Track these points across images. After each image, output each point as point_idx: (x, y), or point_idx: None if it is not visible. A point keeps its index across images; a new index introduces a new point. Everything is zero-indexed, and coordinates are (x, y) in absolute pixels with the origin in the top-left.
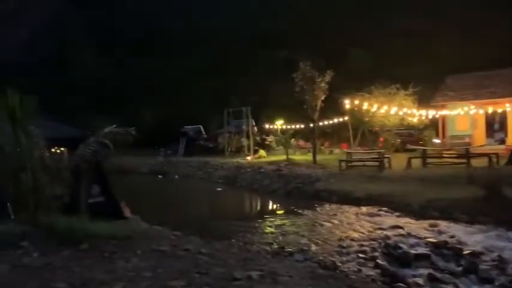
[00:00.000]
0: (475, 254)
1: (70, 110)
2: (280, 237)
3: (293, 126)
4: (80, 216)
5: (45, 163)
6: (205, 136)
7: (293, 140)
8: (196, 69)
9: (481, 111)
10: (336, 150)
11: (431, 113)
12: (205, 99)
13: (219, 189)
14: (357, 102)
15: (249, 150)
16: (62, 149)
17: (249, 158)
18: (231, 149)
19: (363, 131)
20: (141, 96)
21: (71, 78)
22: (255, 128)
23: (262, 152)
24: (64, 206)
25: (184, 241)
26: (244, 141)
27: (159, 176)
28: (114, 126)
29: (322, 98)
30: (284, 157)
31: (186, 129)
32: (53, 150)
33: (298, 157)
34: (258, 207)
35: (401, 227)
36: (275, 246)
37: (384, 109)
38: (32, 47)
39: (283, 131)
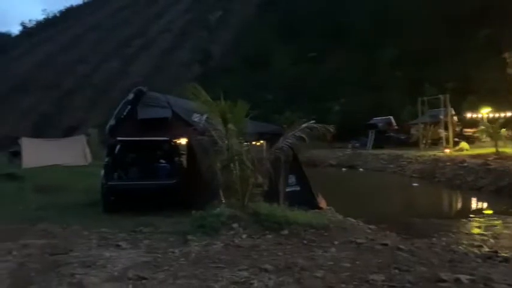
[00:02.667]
0: None
1: (262, 106)
2: (492, 240)
3: (503, 115)
4: (279, 204)
5: (249, 155)
6: (396, 127)
7: (504, 130)
8: (386, 58)
9: None
10: None
11: None
12: (396, 89)
13: (415, 184)
14: None
15: (447, 142)
16: (262, 141)
17: (447, 150)
18: (427, 141)
19: None
20: (329, 90)
21: (264, 76)
22: (455, 117)
23: (464, 144)
24: (264, 193)
25: (380, 235)
26: (442, 133)
27: (343, 169)
28: (311, 121)
29: None
30: (492, 150)
31: (375, 120)
32: (254, 143)
33: (510, 150)
34: (461, 205)
35: None
36: (486, 249)
37: None
38: (232, 49)
39: (490, 120)
